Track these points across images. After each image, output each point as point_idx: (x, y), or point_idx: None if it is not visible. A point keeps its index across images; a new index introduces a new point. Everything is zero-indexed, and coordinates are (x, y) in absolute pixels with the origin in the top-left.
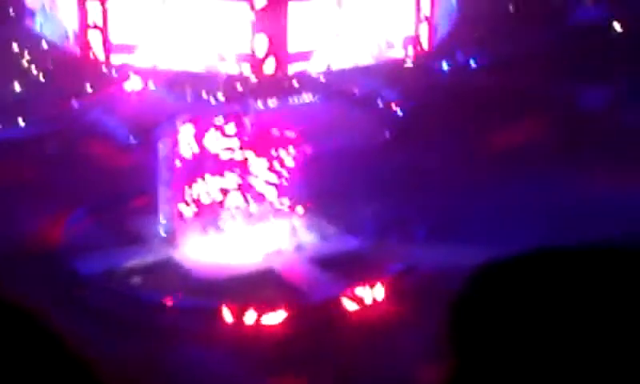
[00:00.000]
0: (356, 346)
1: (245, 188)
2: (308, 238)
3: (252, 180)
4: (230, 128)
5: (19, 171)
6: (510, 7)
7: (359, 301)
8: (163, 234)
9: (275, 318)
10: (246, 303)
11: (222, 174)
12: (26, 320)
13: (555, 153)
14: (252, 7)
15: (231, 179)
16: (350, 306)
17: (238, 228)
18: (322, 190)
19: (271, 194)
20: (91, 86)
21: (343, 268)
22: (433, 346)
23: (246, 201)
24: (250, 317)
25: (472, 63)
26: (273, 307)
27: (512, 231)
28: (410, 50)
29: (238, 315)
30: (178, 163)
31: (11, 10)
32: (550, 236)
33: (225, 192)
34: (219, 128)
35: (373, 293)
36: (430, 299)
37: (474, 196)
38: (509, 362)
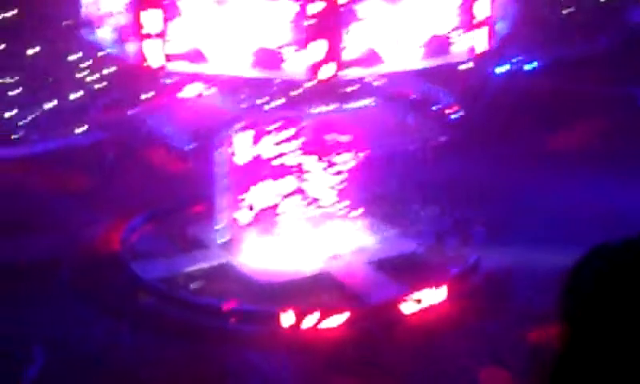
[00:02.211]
0: (416, 349)
1: (301, 193)
2: (366, 241)
3: (308, 185)
4: (286, 133)
5: (78, 179)
6: (568, 10)
7: (419, 303)
8: (221, 240)
9: (334, 321)
10: (304, 307)
11: (278, 179)
12: None
13: (614, 156)
14: (309, 11)
15: (288, 184)
16: (409, 308)
17: (296, 232)
18: (378, 193)
19: (328, 198)
20: (148, 94)
21: (402, 271)
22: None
23: (303, 205)
24: (308, 321)
25: (529, 66)
26: (331, 311)
27: (570, 233)
28: (467, 53)
29: (297, 319)
30: (234, 169)
31: (68, 20)
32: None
33: (282, 197)
34: (275, 134)
35: (432, 295)
36: (490, 301)
37: (531, 198)
38: (620, 336)
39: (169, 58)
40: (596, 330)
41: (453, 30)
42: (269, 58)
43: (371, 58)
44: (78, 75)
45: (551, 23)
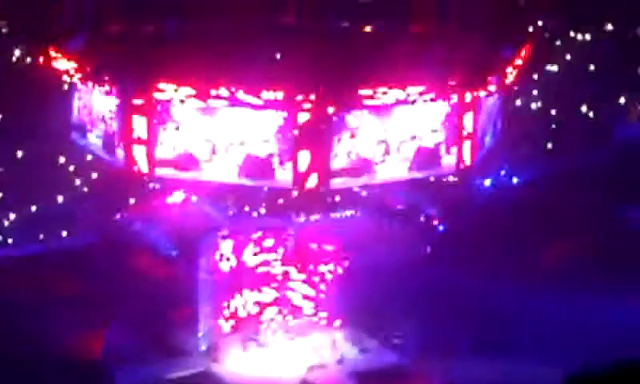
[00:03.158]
0: None
1: (284, 302)
2: (348, 351)
3: (291, 294)
4: (271, 242)
5: (62, 282)
6: (554, 125)
7: None
8: (203, 347)
9: None
10: None
11: (262, 289)
12: None
13: (600, 272)
14: (295, 122)
15: (271, 293)
16: None
17: (278, 342)
18: (362, 304)
19: (310, 308)
20: (134, 199)
21: (384, 383)
22: None
23: (286, 315)
24: None
25: (515, 180)
26: None
27: (557, 349)
28: (453, 166)
29: None
30: (218, 276)
31: (58, 124)
32: (595, 355)
33: (264, 306)
34: (259, 242)
35: None
36: None
37: (516, 313)
38: None
39: (157, 163)
40: None
41: (440, 143)
42: (256, 167)
43: (359, 169)
44: (65, 179)
45: (539, 138)
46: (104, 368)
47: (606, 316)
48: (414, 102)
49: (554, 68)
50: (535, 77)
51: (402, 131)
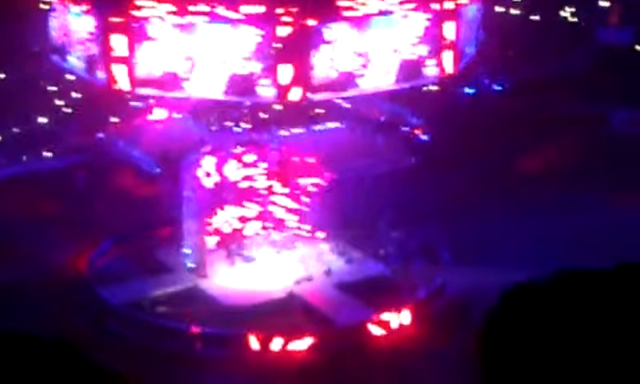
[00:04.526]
0: (383, 371)
1: (268, 216)
2: (334, 263)
3: (275, 208)
4: (254, 157)
5: (46, 203)
6: (535, 31)
7: (386, 326)
8: (189, 264)
9: (302, 344)
10: (272, 330)
11: (245, 203)
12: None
13: (584, 176)
14: (276, 36)
15: (255, 208)
16: (376, 331)
17: (264, 256)
18: (347, 215)
19: (295, 221)
20: (117, 118)
21: (369, 293)
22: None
23: (270, 229)
24: (276, 343)
25: (497, 87)
26: (299, 334)
27: (539, 254)
28: (435, 75)
29: (265, 342)
30: (202, 193)
31: (37, 46)
32: (578, 259)
33: (249, 220)
34: (242, 157)
35: (399, 317)
36: (456, 323)
37: (500, 220)
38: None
39: (138, 82)
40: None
41: (421, 55)
42: (238, 83)
43: (341, 82)
44: (47, 99)
45: (520, 45)
46: (90, 286)
47: (592, 220)
48: (393, 12)
49: None
50: None
51: (381, 44)
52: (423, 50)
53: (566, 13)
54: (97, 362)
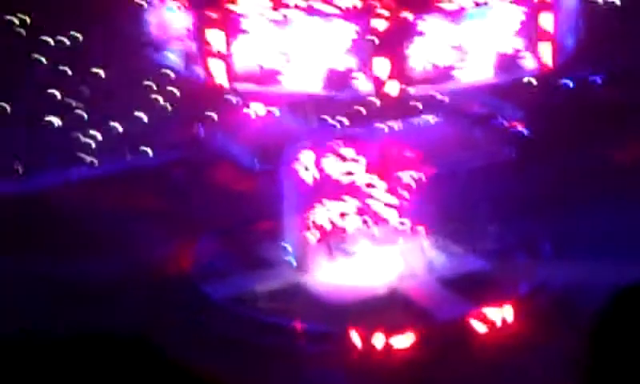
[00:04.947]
0: (485, 367)
1: (368, 211)
2: (435, 258)
3: (375, 203)
4: (352, 151)
5: (147, 199)
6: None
7: (488, 321)
8: (290, 259)
9: (404, 340)
10: (374, 326)
11: (346, 198)
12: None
13: None
14: (373, 29)
15: (354, 203)
16: (479, 327)
17: (364, 251)
18: (446, 210)
19: (394, 216)
20: (215, 113)
21: (471, 288)
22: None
23: (370, 224)
24: (378, 340)
25: (597, 79)
26: (401, 330)
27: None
28: (533, 68)
29: (367, 339)
30: (302, 187)
31: (136, 40)
32: None
33: (349, 215)
34: (341, 152)
35: (502, 313)
36: (560, 319)
37: (601, 213)
38: None
39: (235, 77)
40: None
41: (518, 45)
42: (335, 77)
43: (438, 75)
44: (145, 96)
45: (621, 35)
46: (193, 283)
47: None
48: (488, 3)
49: None
50: None
51: (477, 37)
52: (520, 42)
53: None
54: (178, 363)
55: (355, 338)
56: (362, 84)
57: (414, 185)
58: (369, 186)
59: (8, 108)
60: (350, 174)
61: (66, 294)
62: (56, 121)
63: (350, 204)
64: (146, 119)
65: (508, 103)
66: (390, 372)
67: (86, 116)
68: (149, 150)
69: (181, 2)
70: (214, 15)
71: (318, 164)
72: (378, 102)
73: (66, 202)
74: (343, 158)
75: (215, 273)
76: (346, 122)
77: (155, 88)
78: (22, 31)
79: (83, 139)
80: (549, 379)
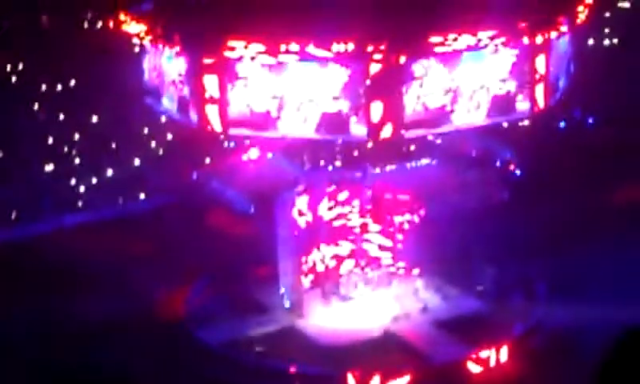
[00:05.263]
0: None
1: (362, 254)
2: (430, 300)
3: (369, 246)
4: (346, 194)
5: (141, 244)
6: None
7: (484, 363)
8: (285, 303)
9: (400, 382)
10: (370, 369)
11: (340, 242)
12: None
13: None
14: (367, 73)
15: (348, 246)
16: (474, 368)
17: (359, 294)
18: (441, 252)
19: (389, 258)
20: (210, 158)
21: (466, 330)
22: None
23: (364, 267)
24: (374, 382)
25: (590, 120)
26: (397, 372)
27: (633, 292)
28: (527, 110)
29: (363, 381)
30: (297, 232)
31: (130, 88)
32: None
33: (343, 259)
34: (335, 195)
35: (497, 354)
36: (556, 360)
37: (596, 254)
38: None
39: (230, 122)
40: None
41: (511, 88)
42: (329, 121)
43: (432, 118)
44: (141, 141)
45: (612, 75)
46: (187, 327)
47: None
48: (485, 46)
49: (625, 4)
50: (607, 14)
51: (471, 80)
52: (513, 84)
53: None
54: None
55: (351, 381)
56: (357, 128)
57: (408, 227)
58: (363, 229)
59: (1, 154)
60: (344, 217)
61: (61, 337)
62: (50, 167)
63: (345, 247)
64: (139, 164)
65: (502, 145)
66: None
67: (81, 162)
68: (143, 195)
69: (177, 48)
70: (208, 61)
71: (312, 208)
72: (372, 146)
73: (61, 247)
74: (337, 202)
75: (209, 317)
76: (340, 165)
77: (150, 133)
78: (14, 78)
79: (77, 185)
80: None
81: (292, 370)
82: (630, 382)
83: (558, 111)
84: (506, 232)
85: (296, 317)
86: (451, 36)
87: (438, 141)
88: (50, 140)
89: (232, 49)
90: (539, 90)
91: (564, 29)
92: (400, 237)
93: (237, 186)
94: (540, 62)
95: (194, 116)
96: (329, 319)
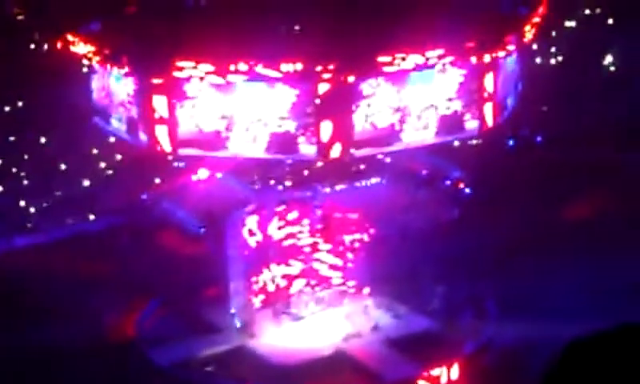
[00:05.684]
0: None
1: (312, 274)
2: (380, 319)
3: (319, 265)
4: (296, 214)
5: (92, 264)
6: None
7: (435, 381)
8: (236, 323)
9: None
10: None
11: (291, 261)
12: None
13: (626, 226)
14: (316, 93)
15: (299, 266)
16: None
17: (310, 313)
18: (391, 271)
19: (339, 277)
20: (159, 178)
21: (417, 348)
22: None
23: (315, 286)
24: None
25: (538, 138)
26: None
27: (587, 305)
28: (475, 128)
29: None
30: (247, 251)
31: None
32: (623, 313)
33: (293, 279)
34: (285, 215)
35: (448, 372)
36: (506, 377)
37: (545, 270)
38: None
39: (179, 142)
40: None
41: (459, 107)
42: (279, 141)
43: (381, 137)
44: (90, 162)
45: (560, 94)
46: (138, 348)
47: (636, 272)
48: (433, 66)
49: (571, 23)
50: (553, 33)
51: (418, 100)
52: (461, 103)
53: (606, 61)
54: None
55: None
56: (306, 147)
57: (358, 246)
58: (313, 248)
59: None
60: (294, 236)
61: (11, 362)
62: (1, 189)
63: (295, 267)
64: (88, 185)
65: (451, 164)
66: None
67: (31, 183)
68: (93, 216)
69: (126, 68)
70: (157, 81)
71: (262, 228)
72: (321, 165)
73: (10, 268)
74: (287, 222)
75: (161, 338)
76: (290, 185)
77: (100, 154)
78: None
79: (26, 206)
80: None
81: None
82: None
83: (507, 130)
84: (455, 250)
85: (247, 336)
86: (399, 55)
87: (388, 160)
88: (0, 161)
89: (181, 69)
90: (488, 109)
91: (511, 48)
92: (350, 256)
93: (187, 206)
94: (488, 81)
95: (143, 136)
96: (280, 339)
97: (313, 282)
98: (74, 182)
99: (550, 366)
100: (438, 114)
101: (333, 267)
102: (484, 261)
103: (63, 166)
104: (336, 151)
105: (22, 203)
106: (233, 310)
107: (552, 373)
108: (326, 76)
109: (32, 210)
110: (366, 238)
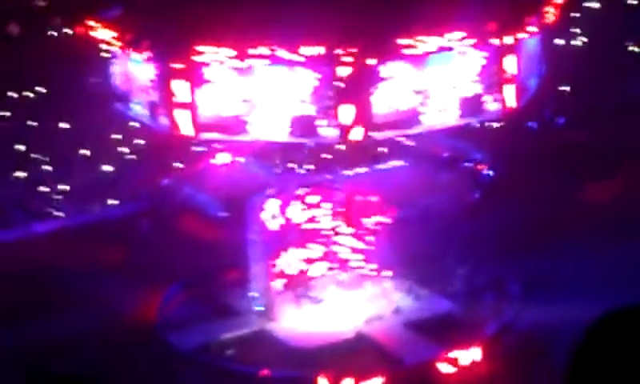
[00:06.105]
0: None
1: (334, 257)
2: (401, 302)
3: (341, 248)
4: (318, 198)
5: (112, 251)
6: (598, 62)
7: (456, 363)
8: (257, 307)
9: None
10: (341, 371)
11: (311, 245)
12: None
13: None
14: (336, 76)
15: (320, 249)
16: (447, 369)
17: (331, 297)
18: (413, 253)
19: (360, 260)
20: (181, 163)
21: (438, 330)
22: None
23: (336, 269)
24: None
25: (560, 120)
26: (370, 374)
27: (610, 286)
28: (497, 110)
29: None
30: (268, 235)
31: (99, 94)
32: None
33: (315, 262)
34: (306, 199)
35: (469, 354)
36: (529, 359)
37: (568, 253)
38: None
39: (201, 126)
40: None
41: (481, 89)
42: (300, 124)
43: (402, 119)
44: (112, 147)
45: (582, 75)
46: (159, 333)
47: None
48: (453, 48)
49: (595, 4)
50: (577, 15)
51: (440, 81)
52: (483, 85)
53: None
54: None
55: (324, 383)
56: (328, 131)
57: (379, 229)
58: (335, 232)
59: None
60: (315, 220)
61: (34, 347)
62: (22, 175)
63: (316, 250)
64: (112, 171)
65: (473, 146)
66: None
67: (51, 169)
68: (115, 202)
69: (146, 54)
70: (178, 66)
71: (283, 211)
72: (343, 149)
73: (31, 255)
74: (309, 205)
75: (181, 322)
76: (311, 168)
77: (121, 139)
78: None
79: (49, 192)
80: None
81: (264, 373)
82: (604, 368)
83: (529, 112)
84: (477, 232)
85: (267, 320)
86: (420, 38)
87: (410, 143)
88: (21, 148)
89: (201, 53)
90: (510, 91)
91: (533, 29)
92: (371, 239)
93: (208, 190)
94: (510, 63)
95: (164, 121)
96: (300, 322)
97: (334, 265)
98: (95, 168)
99: (576, 349)
100: (460, 96)
101: (354, 250)
102: (506, 242)
103: (83, 152)
104: (357, 134)
105: (42, 189)
106: (253, 294)
107: (585, 346)
108: (347, 59)
109: (52, 196)
110: (387, 220)
